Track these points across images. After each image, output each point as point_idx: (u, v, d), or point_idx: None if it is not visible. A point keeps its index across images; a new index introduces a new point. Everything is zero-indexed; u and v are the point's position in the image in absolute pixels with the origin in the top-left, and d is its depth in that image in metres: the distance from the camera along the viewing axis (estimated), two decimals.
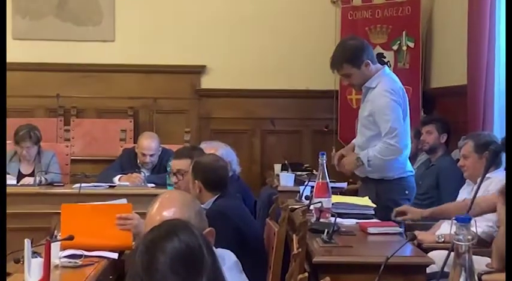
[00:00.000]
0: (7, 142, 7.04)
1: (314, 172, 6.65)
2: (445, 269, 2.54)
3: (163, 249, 1.83)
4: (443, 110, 7.22)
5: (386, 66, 5.11)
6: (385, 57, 7.72)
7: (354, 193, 5.60)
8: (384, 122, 4.76)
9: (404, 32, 7.74)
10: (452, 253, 1.93)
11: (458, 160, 5.29)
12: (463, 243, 1.86)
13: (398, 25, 7.79)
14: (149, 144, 6.59)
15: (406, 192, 4.91)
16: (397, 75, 5.10)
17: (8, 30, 8.38)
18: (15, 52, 8.37)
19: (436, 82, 7.72)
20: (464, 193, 4.80)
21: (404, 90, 4.98)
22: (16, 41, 8.46)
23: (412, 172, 5.05)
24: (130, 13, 8.52)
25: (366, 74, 4.87)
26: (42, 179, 6.45)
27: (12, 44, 8.43)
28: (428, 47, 7.88)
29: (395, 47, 7.81)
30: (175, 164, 4.67)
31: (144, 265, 1.83)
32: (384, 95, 4.80)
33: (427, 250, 4.09)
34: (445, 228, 4.72)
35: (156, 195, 5.74)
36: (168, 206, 2.46)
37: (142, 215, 5.41)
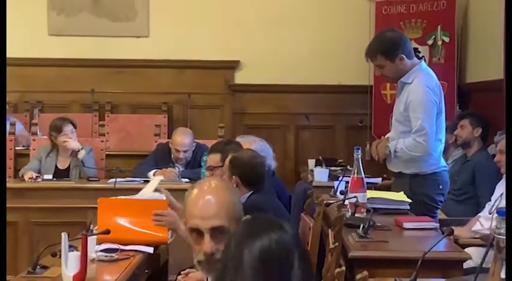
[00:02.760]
0: (43, 137, 7.15)
1: (348, 167, 6.65)
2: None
3: (251, 246, 1.82)
4: (479, 105, 7.16)
5: (423, 61, 5.07)
6: (420, 52, 7.66)
7: (388, 188, 5.58)
8: (415, 119, 4.74)
9: (439, 27, 7.68)
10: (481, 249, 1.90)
11: (494, 155, 5.24)
12: (504, 237, 1.84)
13: (433, 20, 7.73)
14: (183, 140, 6.60)
15: (440, 187, 4.88)
16: (432, 70, 5.06)
17: (43, 26, 8.49)
18: (50, 48, 8.48)
19: (471, 77, 7.66)
20: (501, 189, 4.74)
21: (440, 85, 4.95)
22: (51, 37, 8.54)
23: (445, 166, 5.01)
24: (164, 9, 8.55)
25: (399, 68, 4.83)
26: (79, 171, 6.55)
27: (47, 40, 8.53)
28: (464, 42, 7.81)
29: (430, 42, 7.76)
30: (208, 159, 4.72)
31: (231, 259, 1.83)
32: (420, 92, 4.76)
33: (462, 246, 4.06)
34: (482, 223, 4.69)
35: None
36: (208, 192, 2.45)
37: None
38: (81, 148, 6.62)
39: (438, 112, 4.82)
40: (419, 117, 4.73)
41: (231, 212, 2.40)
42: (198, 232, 2.37)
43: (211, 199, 2.41)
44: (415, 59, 4.96)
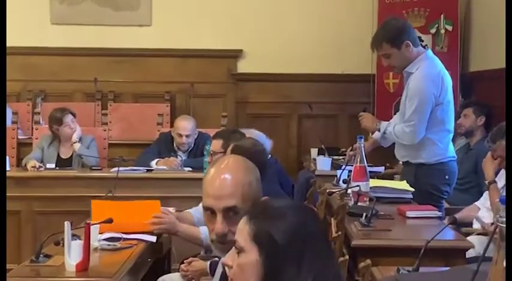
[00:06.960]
0: (44, 126, 7.15)
1: None
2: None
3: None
4: (482, 94, 7.15)
5: (429, 50, 5.02)
6: (422, 41, 7.60)
7: (391, 177, 5.57)
8: (409, 109, 4.75)
9: (442, 15, 7.64)
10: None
11: None
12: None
13: (436, 8, 7.70)
14: (185, 125, 6.60)
15: (447, 177, 4.85)
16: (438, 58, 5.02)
17: (46, 15, 8.48)
18: (53, 37, 8.46)
19: (474, 66, 7.63)
20: (501, 180, 4.71)
21: (446, 73, 4.90)
22: (54, 26, 8.52)
23: (454, 157, 4.96)
24: None
25: (405, 55, 4.79)
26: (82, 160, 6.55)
27: (50, 29, 8.51)
28: (467, 31, 7.79)
29: (433, 31, 7.72)
30: (211, 143, 4.75)
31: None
32: (418, 83, 4.74)
33: (465, 235, 4.07)
34: (483, 214, 4.69)
35: (192, 179, 5.79)
36: (225, 171, 2.38)
37: (180, 199, 5.45)
38: (78, 141, 6.63)
39: (442, 102, 4.77)
40: (411, 108, 4.73)
41: (246, 193, 2.33)
42: (211, 211, 2.33)
43: (227, 178, 2.35)
44: (421, 47, 4.93)
